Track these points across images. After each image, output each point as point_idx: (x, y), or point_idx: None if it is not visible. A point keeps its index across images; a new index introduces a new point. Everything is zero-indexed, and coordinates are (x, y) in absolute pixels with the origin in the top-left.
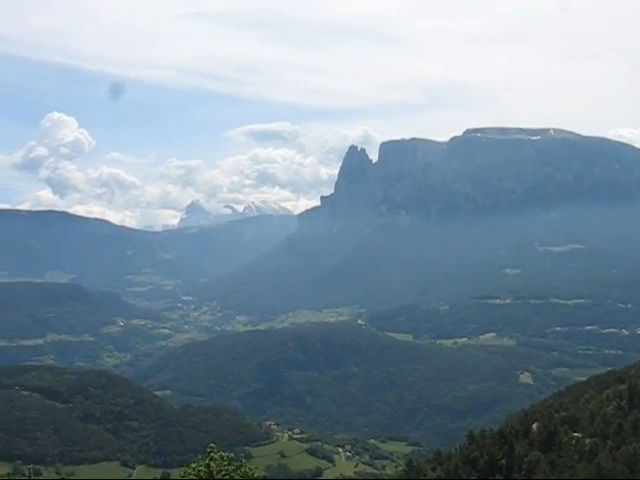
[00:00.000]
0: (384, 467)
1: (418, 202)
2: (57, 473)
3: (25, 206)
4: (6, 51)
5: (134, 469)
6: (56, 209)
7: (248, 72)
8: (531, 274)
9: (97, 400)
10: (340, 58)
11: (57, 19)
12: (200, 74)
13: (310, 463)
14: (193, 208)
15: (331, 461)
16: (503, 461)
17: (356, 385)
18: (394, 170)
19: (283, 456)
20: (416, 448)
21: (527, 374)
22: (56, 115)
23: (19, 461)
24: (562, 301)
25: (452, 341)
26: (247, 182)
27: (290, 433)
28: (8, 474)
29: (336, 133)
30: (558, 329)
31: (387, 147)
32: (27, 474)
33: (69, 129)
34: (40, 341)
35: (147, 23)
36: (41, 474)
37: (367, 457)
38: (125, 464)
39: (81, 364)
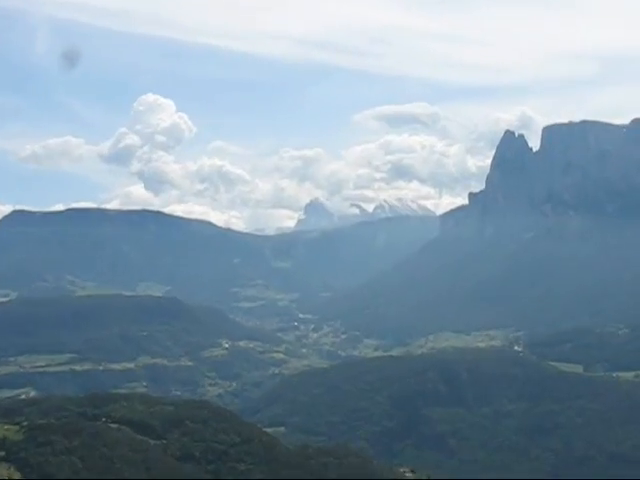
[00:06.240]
0: None
1: (591, 200)
2: None
3: (113, 205)
4: (89, 22)
5: None
6: (150, 208)
7: (379, 43)
8: None
9: (196, 437)
10: (492, 25)
11: None
12: (320, 46)
13: None
14: (313, 207)
15: None
16: None
17: (511, 426)
18: (560, 160)
19: None
20: None
21: None
22: (150, 97)
23: None
24: None
25: (633, 374)
26: (378, 176)
27: None
28: None
29: (487, 115)
30: None
31: (552, 132)
32: None
33: (166, 113)
34: (131, 365)
35: None
36: None
37: None
38: None
39: (178, 393)
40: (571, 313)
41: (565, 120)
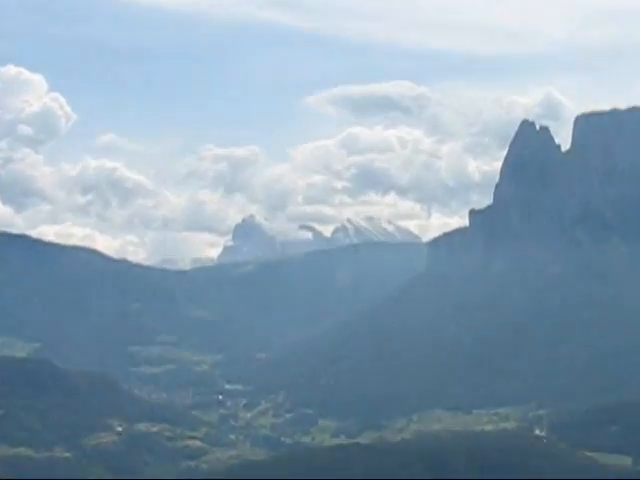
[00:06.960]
0: None
1: None
2: None
3: None
4: None
5: None
6: (10, 230)
7: None
8: None
9: None
10: None
11: None
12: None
13: None
14: (246, 230)
15: None
16: None
17: None
18: (600, 164)
19: None
20: None
21: None
22: (12, 70)
23: None
24: None
25: None
26: (339, 185)
27: None
28: None
29: (497, 99)
30: None
31: (588, 123)
32: None
33: (34, 94)
34: None
35: None
36: None
37: None
38: None
39: None
40: (615, 382)
41: (606, 107)
